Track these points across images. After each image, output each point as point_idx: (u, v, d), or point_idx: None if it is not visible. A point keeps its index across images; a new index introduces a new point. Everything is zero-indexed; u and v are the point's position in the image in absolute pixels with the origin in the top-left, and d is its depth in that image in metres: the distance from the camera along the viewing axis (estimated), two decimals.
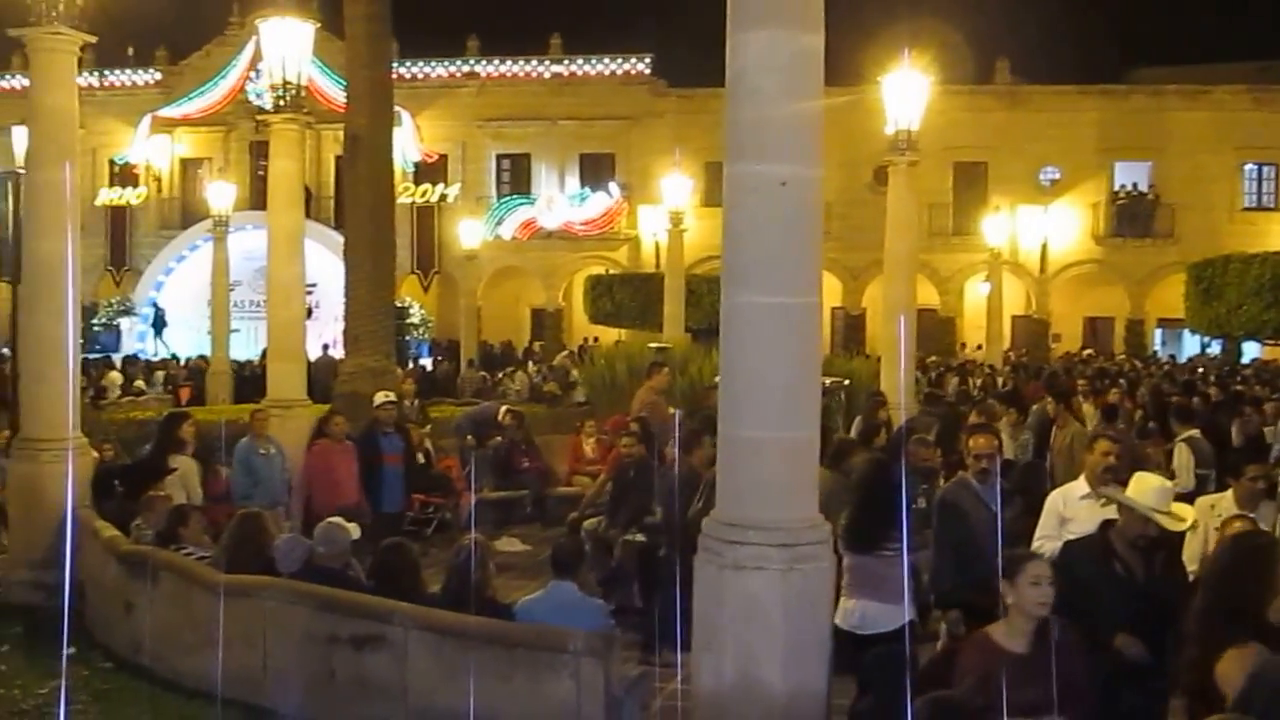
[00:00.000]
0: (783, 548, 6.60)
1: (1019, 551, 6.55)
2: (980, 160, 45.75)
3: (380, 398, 14.61)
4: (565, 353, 38.07)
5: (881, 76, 17.69)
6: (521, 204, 48.41)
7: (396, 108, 24.32)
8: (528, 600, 8.81)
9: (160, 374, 34.94)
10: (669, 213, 31.01)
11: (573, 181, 48.40)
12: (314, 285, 32.68)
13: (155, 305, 47.22)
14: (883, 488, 8.18)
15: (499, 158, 49.33)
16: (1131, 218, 45.41)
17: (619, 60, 47.90)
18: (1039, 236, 45.36)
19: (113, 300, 48.06)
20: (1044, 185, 45.55)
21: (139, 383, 32.19)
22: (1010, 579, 5.81)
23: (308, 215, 21.50)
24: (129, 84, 50.57)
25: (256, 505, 12.52)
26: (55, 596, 11.49)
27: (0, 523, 14.62)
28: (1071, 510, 8.48)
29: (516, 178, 49.32)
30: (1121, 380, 25.20)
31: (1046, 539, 8.41)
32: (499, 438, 17.78)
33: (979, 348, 42.35)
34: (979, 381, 28.05)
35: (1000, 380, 28.15)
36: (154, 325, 46.72)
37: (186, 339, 43.90)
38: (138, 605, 10.38)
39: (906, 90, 17.42)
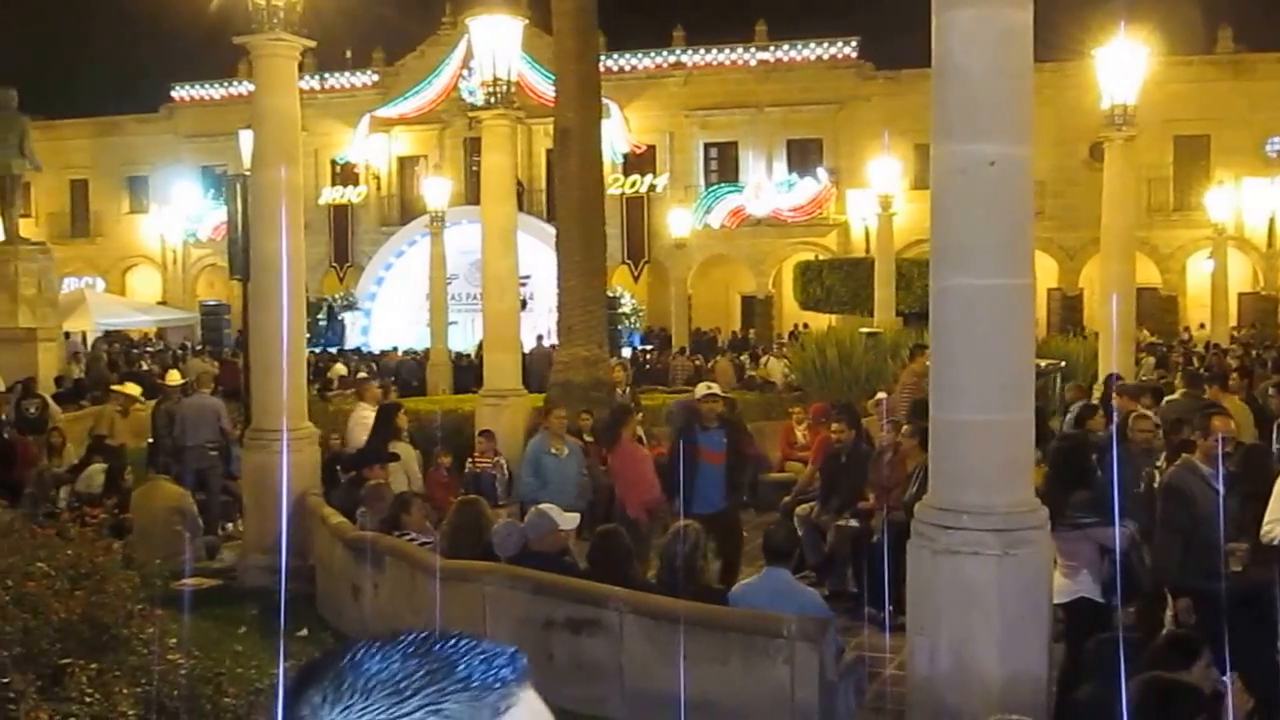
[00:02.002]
0: (998, 532, 6.52)
1: None
2: (1202, 133, 43.99)
3: (701, 389, 13.42)
4: (775, 346, 38.01)
5: (1096, 49, 17.21)
6: (730, 192, 48.36)
7: (605, 100, 24.61)
8: (742, 585, 8.85)
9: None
10: (878, 197, 30.74)
11: (780, 168, 48.13)
12: (528, 277, 33.25)
13: (328, 300, 48.51)
14: (1071, 465, 8.03)
15: (706, 146, 49.34)
16: None
17: (825, 44, 47.43)
18: (1266, 210, 43.41)
19: (336, 295, 49.64)
20: (1271, 156, 43.54)
21: (362, 374, 33.19)
22: None
23: (520, 209, 21.91)
24: (348, 86, 52.08)
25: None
26: (288, 580, 12.01)
27: (236, 510, 15.32)
28: None
29: (724, 166, 49.29)
30: None
31: (1277, 522, 8.10)
32: None
33: (1202, 326, 40.82)
34: (1205, 361, 27.03)
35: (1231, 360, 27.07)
36: (327, 319, 47.99)
37: (407, 332, 45.06)
38: (363, 589, 10.75)
39: (1123, 63, 16.92)
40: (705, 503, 11.83)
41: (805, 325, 39.38)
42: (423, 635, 1.25)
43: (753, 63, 48.17)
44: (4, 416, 20.12)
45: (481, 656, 1.23)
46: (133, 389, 19.21)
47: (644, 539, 11.60)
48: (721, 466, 12.12)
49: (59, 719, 4.58)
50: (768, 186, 47.76)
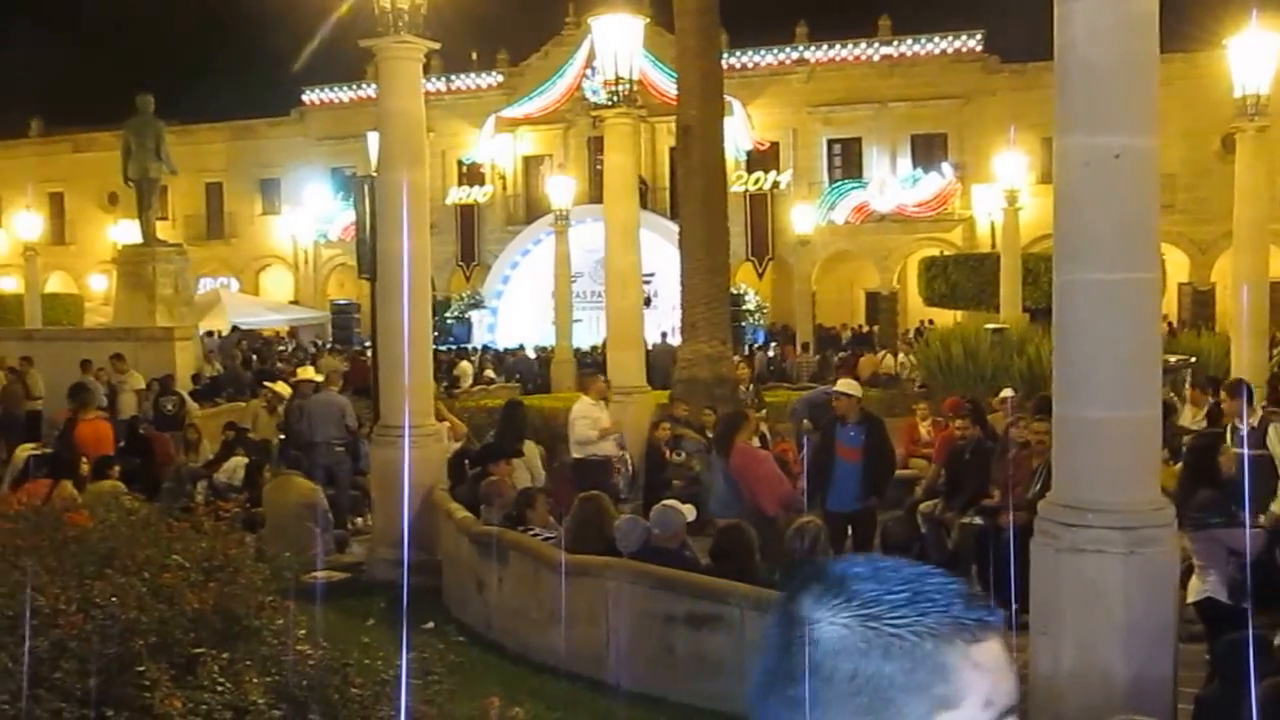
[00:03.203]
0: (1124, 530, 6.42)
1: None
2: None
3: (842, 385, 13.18)
4: (899, 342, 37.76)
5: (1228, 39, 16.83)
6: (853, 188, 48.04)
7: (727, 97, 24.59)
8: None
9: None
10: (1004, 191, 30.41)
11: (905, 163, 47.68)
12: (651, 275, 33.30)
13: (434, 298, 48.77)
14: (1205, 464, 7.88)
15: (830, 142, 49.05)
16: None
17: (949, 38, 46.89)
18: None
19: (463, 294, 50.20)
20: None
21: (489, 372, 33.58)
22: None
23: (643, 206, 21.97)
24: (473, 87, 52.59)
25: (734, 515, 11.75)
26: (414, 573, 12.19)
27: (365, 505, 15.60)
28: None
29: (848, 162, 48.98)
30: None
31: None
32: None
33: None
34: None
35: None
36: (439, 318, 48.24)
37: (533, 330, 45.48)
38: (488, 583, 10.89)
39: (1255, 52, 16.52)
40: (840, 500, 11.72)
41: (930, 321, 39.04)
42: (916, 564, 1.40)
43: (876, 58, 47.77)
44: (142, 413, 20.73)
45: (963, 596, 1.36)
46: (282, 388, 19.69)
47: (779, 536, 11.52)
48: (858, 464, 11.89)
49: (192, 706, 4.71)
50: (892, 182, 47.36)
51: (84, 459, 13.94)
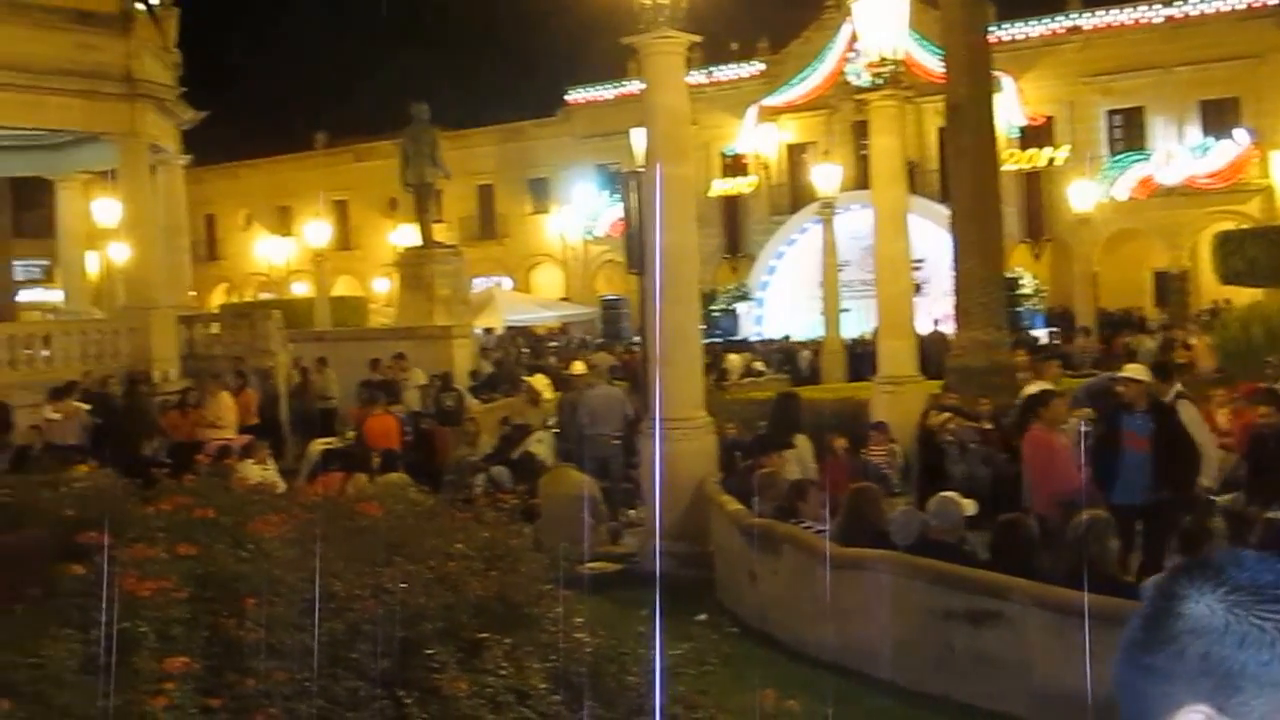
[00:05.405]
0: None
1: None
2: None
3: (1130, 370, 12.58)
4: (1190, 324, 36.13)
5: None
6: (1137, 160, 46.11)
7: (996, 72, 24.04)
8: (1155, 580, 8.43)
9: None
10: None
11: (1193, 132, 45.43)
12: (921, 261, 32.80)
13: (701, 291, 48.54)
14: None
15: (1109, 114, 47.20)
16: None
17: None
18: None
19: (729, 286, 50.36)
20: None
21: (757, 364, 33.58)
22: None
23: (912, 190, 21.64)
24: (734, 78, 52.61)
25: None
26: (687, 566, 12.25)
27: (637, 497, 15.79)
28: None
29: (1129, 133, 47.03)
30: None
31: None
32: None
33: None
34: None
35: None
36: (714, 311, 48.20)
37: (800, 320, 45.29)
38: (760, 575, 10.86)
39: None
40: (1127, 492, 11.05)
41: (1226, 301, 37.23)
42: None
43: (1157, 20, 45.56)
44: (424, 408, 21.49)
45: None
46: (540, 381, 20.18)
47: (1056, 532, 11.07)
48: (1147, 454, 11.19)
49: (477, 689, 4.84)
50: (1179, 152, 45.23)
51: (373, 452, 14.54)
